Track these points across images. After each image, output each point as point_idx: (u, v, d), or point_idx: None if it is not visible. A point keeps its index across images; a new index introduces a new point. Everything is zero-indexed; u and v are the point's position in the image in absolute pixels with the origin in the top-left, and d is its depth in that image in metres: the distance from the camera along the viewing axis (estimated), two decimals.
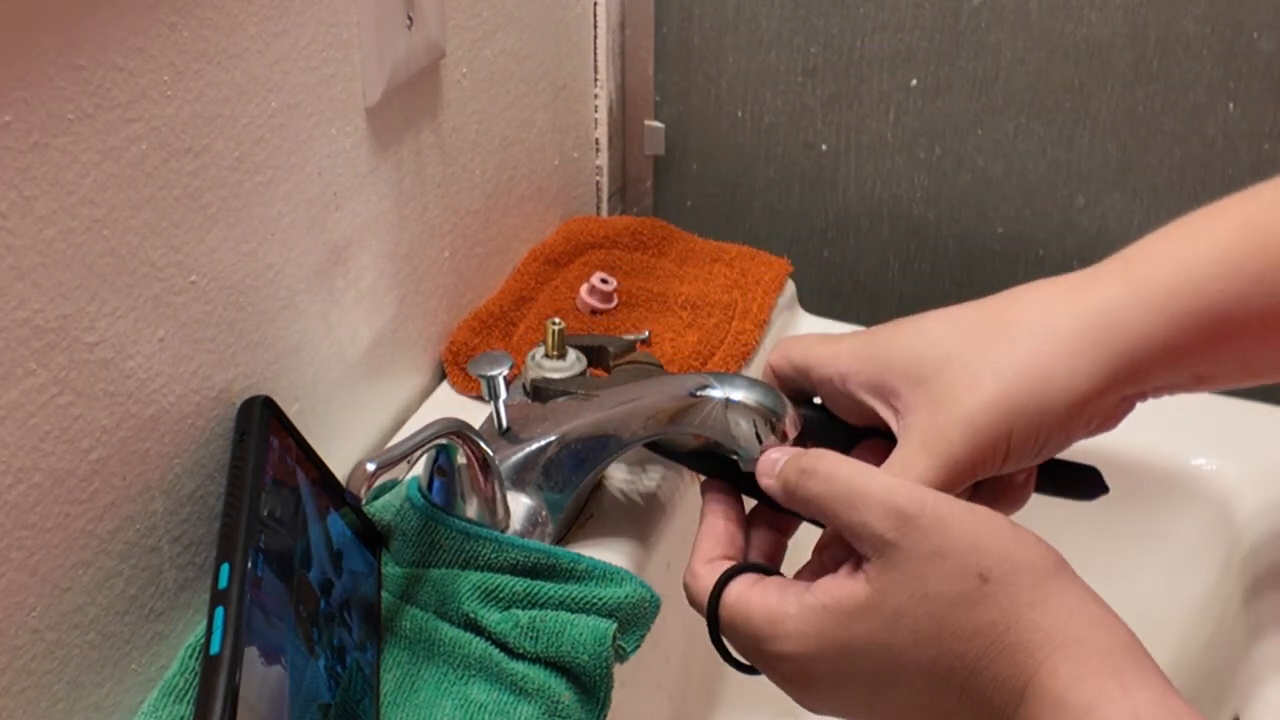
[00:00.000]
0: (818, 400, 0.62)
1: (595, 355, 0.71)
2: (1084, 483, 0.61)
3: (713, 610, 0.54)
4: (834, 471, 0.51)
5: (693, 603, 0.56)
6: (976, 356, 0.54)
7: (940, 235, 0.97)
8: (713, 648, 0.57)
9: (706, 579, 0.55)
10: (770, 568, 0.56)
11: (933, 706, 0.50)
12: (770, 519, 0.60)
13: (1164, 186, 0.90)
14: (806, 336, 0.62)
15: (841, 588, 0.50)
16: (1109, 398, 0.54)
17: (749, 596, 0.53)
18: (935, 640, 0.49)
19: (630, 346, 0.72)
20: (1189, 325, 0.53)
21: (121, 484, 0.53)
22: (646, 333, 0.79)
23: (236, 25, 0.55)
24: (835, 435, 0.61)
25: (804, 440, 0.60)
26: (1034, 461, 0.55)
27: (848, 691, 0.52)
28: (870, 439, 0.60)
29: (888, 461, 0.55)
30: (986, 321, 0.55)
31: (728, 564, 0.56)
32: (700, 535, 0.58)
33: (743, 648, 0.55)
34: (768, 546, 0.59)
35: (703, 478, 0.62)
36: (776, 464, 0.54)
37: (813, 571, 0.55)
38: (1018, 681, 0.48)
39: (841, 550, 0.53)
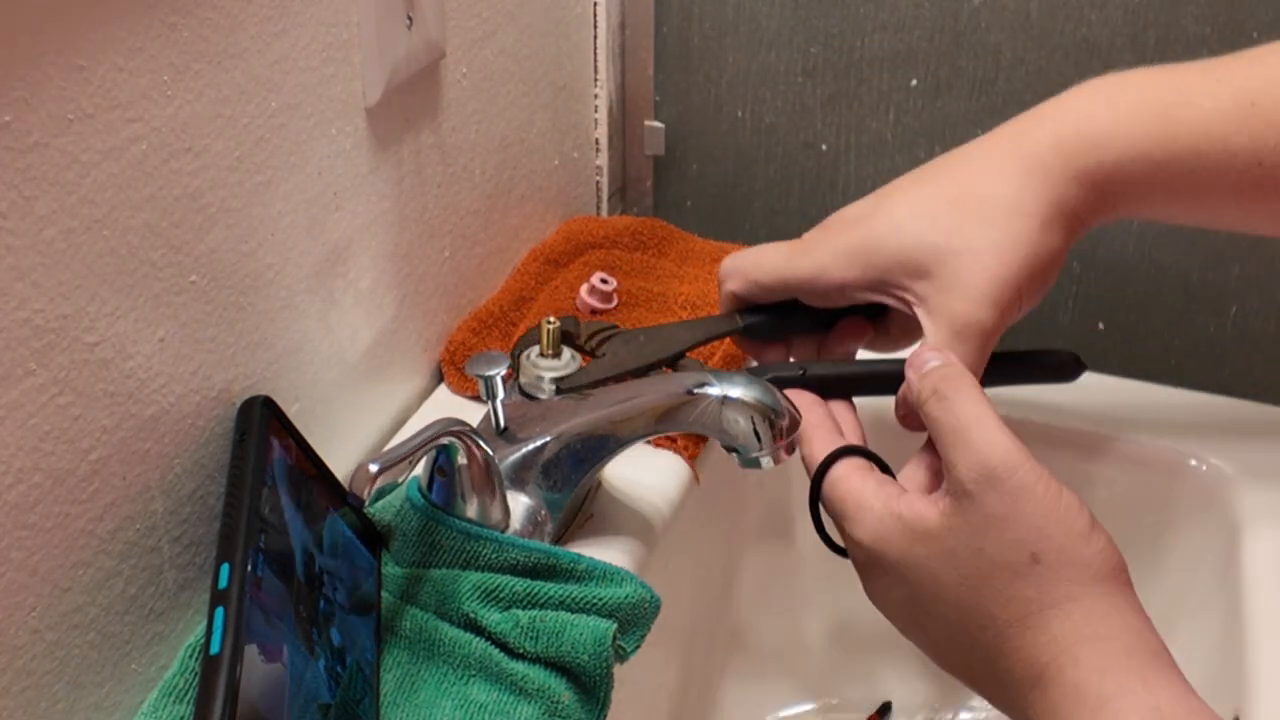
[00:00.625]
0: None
1: (567, 339, 0.70)
2: (1063, 365, 0.67)
3: (817, 481, 0.59)
4: (958, 403, 0.54)
5: (805, 467, 0.61)
6: (964, 240, 0.61)
7: None
8: (715, 641, 0.58)
9: (819, 448, 0.60)
10: (879, 459, 0.60)
11: (963, 649, 0.54)
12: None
13: None
14: (755, 252, 0.68)
15: (918, 506, 0.54)
16: (1082, 231, 0.63)
17: (849, 478, 0.58)
18: (976, 590, 0.52)
19: (602, 327, 0.72)
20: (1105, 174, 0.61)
21: (121, 484, 0.53)
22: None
23: (236, 25, 0.55)
24: (809, 321, 0.68)
25: (778, 329, 0.68)
26: (1041, 297, 0.63)
27: (896, 596, 0.56)
28: (847, 318, 0.68)
29: (924, 343, 0.61)
30: (954, 204, 0.62)
31: (838, 440, 0.60)
32: (806, 411, 0.62)
33: (834, 519, 0.59)
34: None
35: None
36: (927, 364, 0.57)
37: (915, 464, 0.59)
38: (1038, 661, 0.50)
39: (934, 457, 0.58)
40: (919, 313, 0.62)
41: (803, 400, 0.63)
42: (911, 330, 0.66)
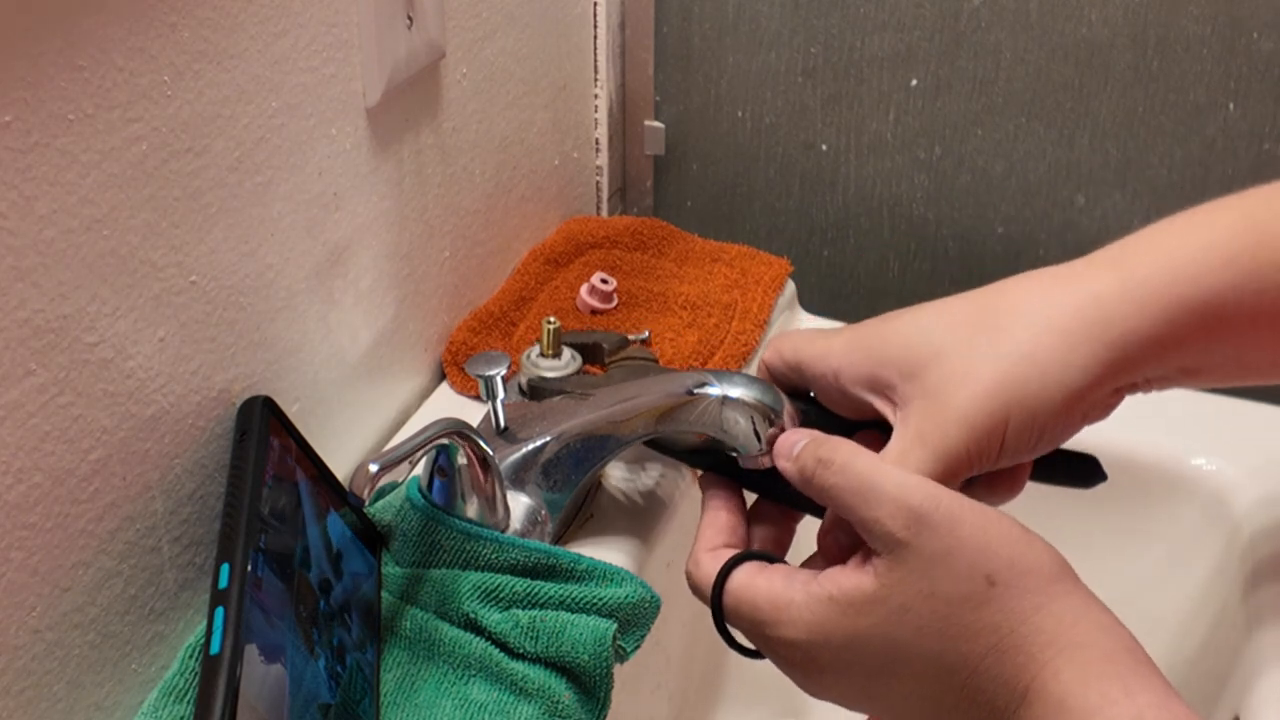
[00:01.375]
0: (813, 395, 0.62)
1: (590, 352, 0.71)
2: (1082, 470, 0.61)
3: (717, 596, 0.55)
4: (849, 463, 0.51)
5: (695, 590, 0.56)
6: (970, 348, 0.53)
7: (940, 235, 0.97)
8: (714, 642, 0.57)
9: (709, 567, 0.55)
10: (774, 556, 0.57)
11: (934, 700, 0.50)
12: (773, 514, 0.60)
13: (1164, 186, 0.90)
14: (800, 332, 0.62)
15: (849, 579, 0.51)
16: (1102, 388, 0.53)
17: (754, 583, 0.53)
18: (939, 637, 0.49)
19: (624, 343, 0.72)
20: (1180, 316, 0.53)
21: (121, 484, 0.53)
22: (646, 333, 0.79)
23: (237, 25, 0.55)
24: (830, 430, 0.59)
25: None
26: (1030, 455, 0.55)
27: (850, 681, 0.52)
28: (865, 431, 0.59)
29: (883, 453, 0.55)
30: (978, 312, 0.55)
31: (731, 552, 0.56)
32: (702, 525, 0.58)
33: (747, 633, 0.55)
34: (770, 541, 0.59)
35: (701, 473, 0.62)
36: (795, 446, 0.54)
37: (818, 559, 0.55)
38: (1019, 683, 0.48)
39: (845, 536, 0.53)
40: (890, 416, 0.56)
41: (710, 497, 0.60)
42: None
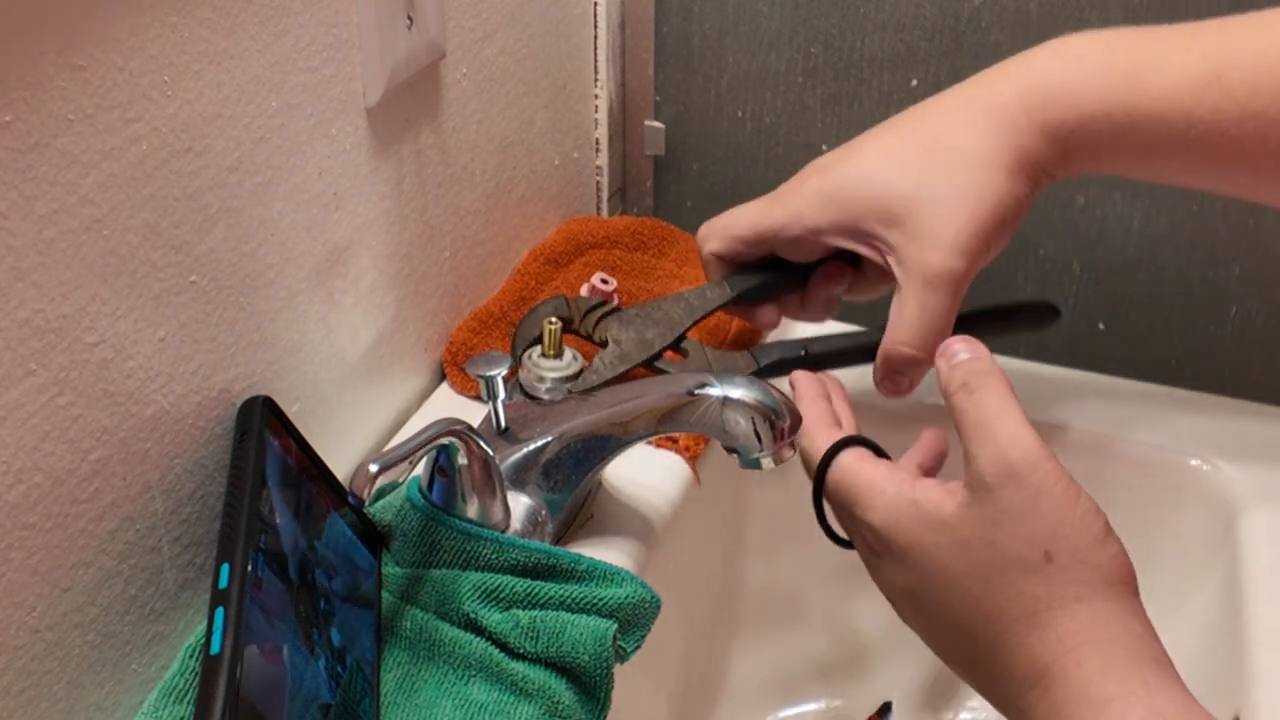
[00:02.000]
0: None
1: (566, 326, 0.71)
2: (1038, 312, 0.70)
3: (822, 470, 0.59)
4: (985, 397, 0.54)
5: (804, 458, 0.61)
6: (934, 191, 0.63)
7: None
8: (714, 642, 0.58)
9: (822, 441, 0.60)
10: (883, 450, 0.60)
11: (963, 640, 0.54)
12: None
13: (1164, 186, 0.90)
14: (725, 215, 0.71)
15: (934, 494, 0.55)
16: (1036, 189, 0.65)
17: (860, 466, 0.58)
18: (985, 582, 0.52)
19: (592, 304, 0.72)
20: (1071, 137, 0.63)
21: (122, 484, 0.53)
22: None
23: (237, 25, 0.55)
24: (793, 276, 0.71)
25: (765, 290, 0.71)
26: (998, 250, 0.65)
27: (902, 583, 0.56)
28: (827, 265, 0.71)
29: (900, 297, 0.64)
30: (921, 153, 0.64)
31: (843, 433, 0.61)
32: (807, 407, 0.63)
33: (837, 508, 0.60)
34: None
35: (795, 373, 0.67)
36: (957, 354, 0.57)
37: (917, 453, 0.62)
38: (1040, 660, 0.51)
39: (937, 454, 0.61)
40: (891, 262, 0.65)
41: (805, 389, 0.65)
42: (887, 275, 0.68)
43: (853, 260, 0.71)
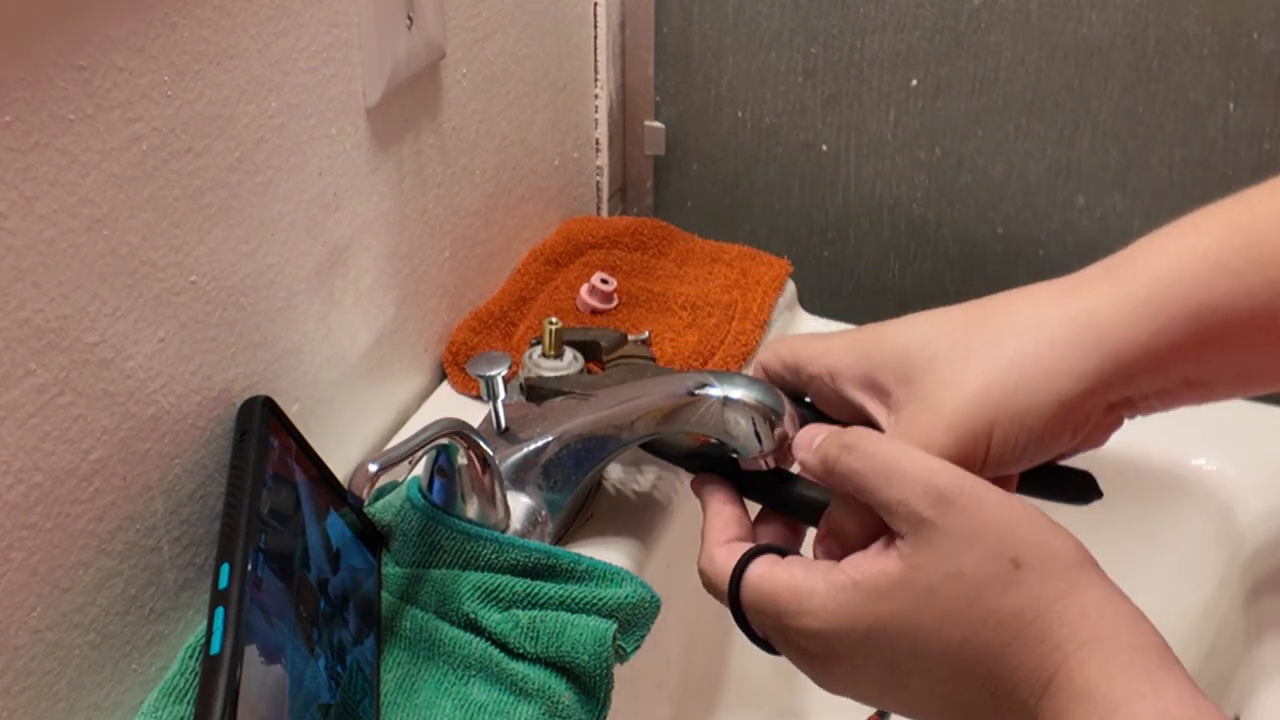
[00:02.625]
0: (808, 399, 0.62)
1: (588, 350, 0.71)
2: (1077, 486, 0.60)
3: (734, 590, 0.54)
4: (874, 448, 0.51)
5: (710, 586, 0.56)
6: (962, 355, 0.53)
7: (940, 235, 0.96)
8: (714, 642, 0.57)
9: (725, 560, 0.55)
10: (790, 549, 0.56)
11: (954, 695, 0.50)
12: (778, 519, 0.60)
13: (1164, 186, 0.90)
14: (797, 336, 0.62)
15: (873, 564, 0.50)
16: (1093, 402, 0.53)
17: (773, 574, 0.53)
18: (963, 622, 0.49)
19: (622, 340, 0.72)
20: (1173, 326, 0.52)
21: (122, 484, 0.53)
22: (646, 333, 0.79)
23: (237, 25, 0.55)
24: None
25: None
26: (1018, 467, 0.54)
27: (868, 673, 0.51)
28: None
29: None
30: (973, 321, 0.55)
31: (746, 545, 0.55)
32: (708, 522, 0.58)
33: (765, 626, 0.54)
34: (780, 540, 0.59)
35: (695, 476, 0.62)
36: (816, 438, 0.53)
37: (821, 544, 0.55)
38: (1043, 673, 0.48)
39: (852, 535, 0.53)
40: (882, 420, 0.56)
41: (708, 499, 0.59)
42: None
43: None
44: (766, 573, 0.53)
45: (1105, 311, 0.53)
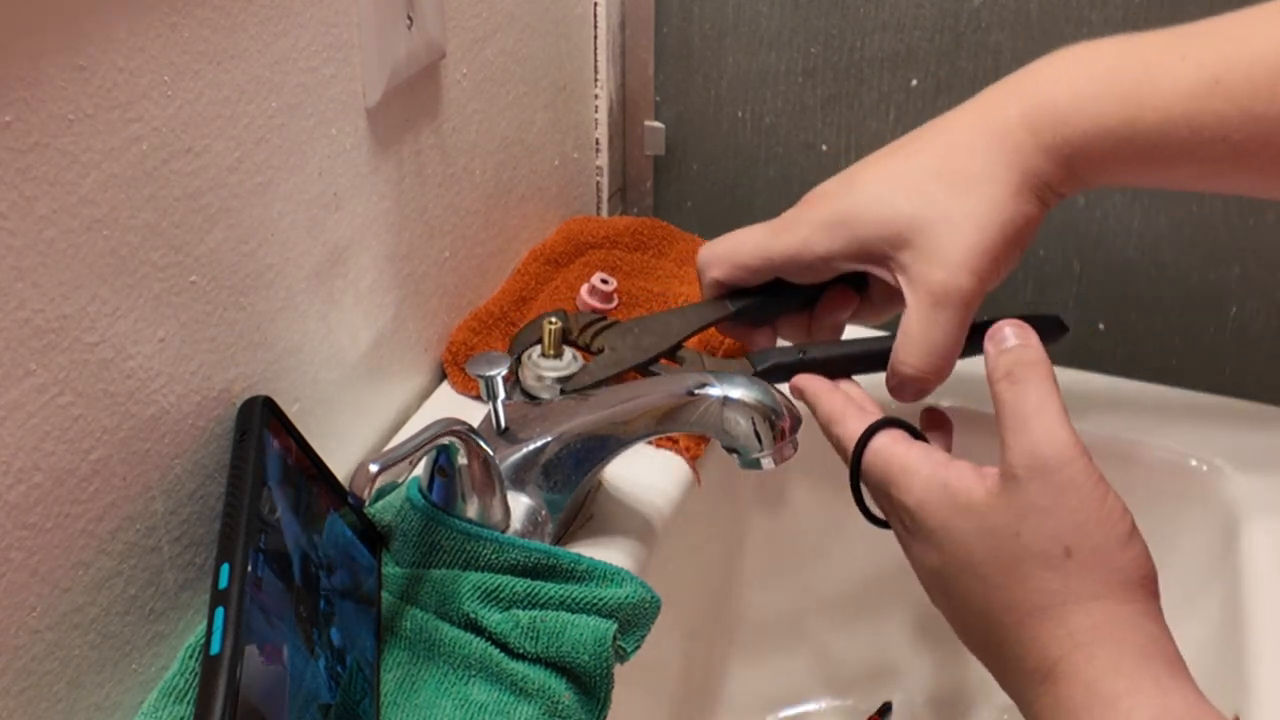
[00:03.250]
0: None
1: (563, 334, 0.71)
2: (1043, 326, 0.66)
3: (858, 453, 0.60)
4: (1026, 390, 0.55)
5: (837, 443, 0.62)
6: (944, 212, 0.63)
7: None
8: (715, 642, 0.57)
9: (856, 425, 0.61)
10: (918, 431, 0.61)
11: (981, 626, 0.54)
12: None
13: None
14: (728, 241, 0.70)
15: (965, 479, 0.55)
16: (1044, 208, 0.64)
17: (895, 448, 0.59)
18: (1006, 571, 0.53)
19: (592, 319, 0.72)
20: (1079, 155, 0.63)
21: (122, 484, 0.53)
22: None
23: (237, 25, 0.55)
24: (800, 300, 0.70)
25: (767, 311, 0.70)
26: (1008, 271, 0.65)
27: (931, 564, 0.57)
28: (832, 289, 0.70)
29: (908, 315, 0.64)
30: (925, 177, 0.64)
31: (878, 415, 0.61)
32: (825, 399, 0.64)
33: (874, 490, 0.60)
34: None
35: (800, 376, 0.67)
36: (1007, 339, 0.57)
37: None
38: (1050, 653, 0.51)
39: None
40: (901, 281, 0.64)
41: (819, 385, 0.65)
42: (894, 299, 0.68)
43: (858, 285, 0.70)
44: (889, 445, 0.59)
45: (1026, 149, 0.63)
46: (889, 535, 0.60)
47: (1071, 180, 0.64)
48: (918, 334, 0.64)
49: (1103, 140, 0.62)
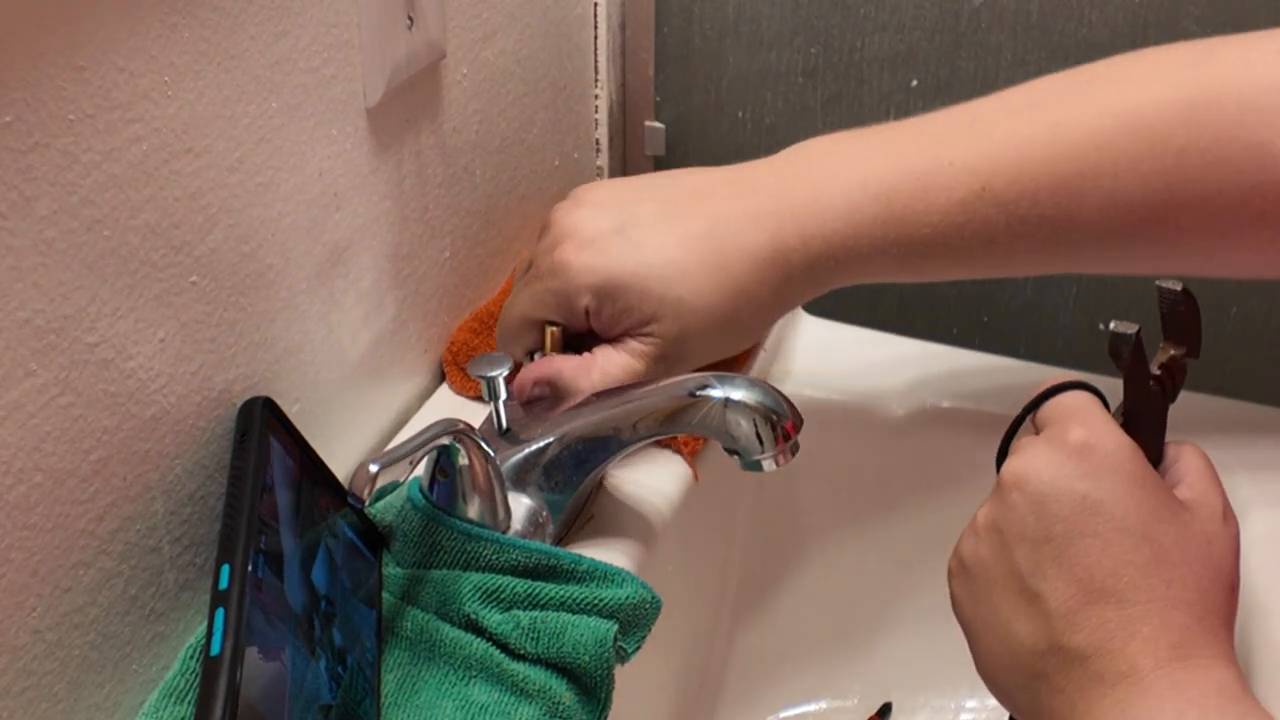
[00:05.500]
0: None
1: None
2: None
3: (1034, 401, 0.57)
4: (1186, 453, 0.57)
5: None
6: (694, 298, 0.67)
7: None
8: (715, 643, 0.57)
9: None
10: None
11: (1101, 574, 0.52)
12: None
13: None
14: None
15: (1121, 448, 0.54)
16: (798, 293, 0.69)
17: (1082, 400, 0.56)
18: (1141, 513, 0.52)
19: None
20: (827, 269, 0.67)
21: (122, 485, 0.53)
22: None
23: (237, 26, 0.55)
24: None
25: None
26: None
27: (1081, 489, 0.54)
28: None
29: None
30: (707, 263, 0.67)
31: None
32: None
33: (1051, 419, 0.56)
34: None
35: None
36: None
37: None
38: (1115, 641, 0.51)
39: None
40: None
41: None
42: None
43: None
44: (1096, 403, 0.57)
45: (786, 252, 0.67)
46: (889, 535, 0.60)
47: (819, 288, 0.68)
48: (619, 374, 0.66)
49: (872, 260, 0.65)
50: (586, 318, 0.68)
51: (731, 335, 0.69)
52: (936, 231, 0.64)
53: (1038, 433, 0.56)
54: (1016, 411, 0.71)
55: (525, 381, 0.68)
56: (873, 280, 0.69)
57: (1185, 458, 0.57)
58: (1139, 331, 0.56)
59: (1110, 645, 0.50)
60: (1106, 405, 0.57)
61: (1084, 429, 0.54)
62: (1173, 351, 0.58)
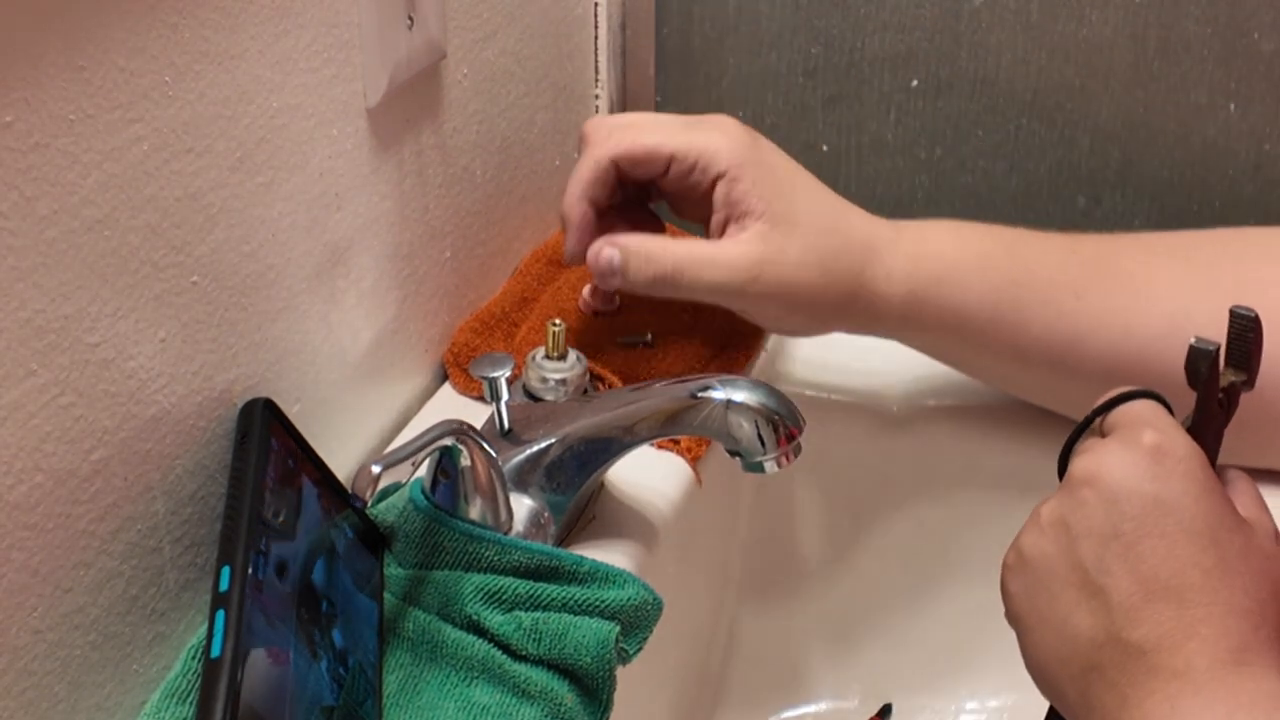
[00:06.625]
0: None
1: None
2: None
3: (1103, 405, 0.57)
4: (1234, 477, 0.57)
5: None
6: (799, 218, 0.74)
7: None
8: (716, 644, 0.57)
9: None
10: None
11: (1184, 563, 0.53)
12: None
13: (1164, 186, 0.90)
14: (634, 129, 0.76)
15: (1192, 454, 0.54)
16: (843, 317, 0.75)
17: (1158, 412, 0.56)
18: (1199, 513, 0.53)
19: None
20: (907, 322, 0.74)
21: (123, 485, 0.53)
22: (649, 335, 0.79)
23: (238, 26, 0.55)
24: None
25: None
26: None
27: (1148, 489, 0.54)
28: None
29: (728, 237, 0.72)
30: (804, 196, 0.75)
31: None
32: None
33: (1123, 424, 0.56)
34: None
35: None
36: None
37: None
38: (1171, 637, 0.51)
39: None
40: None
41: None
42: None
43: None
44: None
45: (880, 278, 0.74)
46: (889, 536, 0.60)
47: (891, 319, 0.73)
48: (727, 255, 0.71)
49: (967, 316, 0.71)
50: (683, 181, 0.73)
51: (812, 293, 0.72)
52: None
53: (1104, 436, 0.57)
54: (1016, 411, 0.71)
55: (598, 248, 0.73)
56: (897, 338, 0.75)
57: (1237, 481, 0.58)
58: (1219, 349, 0.56)
59: (1168, 642, 0.51)
60: (1173, 415, 0.57)
61: (1158, 434, 0.54)
62: (1233, 378, 0.58)
